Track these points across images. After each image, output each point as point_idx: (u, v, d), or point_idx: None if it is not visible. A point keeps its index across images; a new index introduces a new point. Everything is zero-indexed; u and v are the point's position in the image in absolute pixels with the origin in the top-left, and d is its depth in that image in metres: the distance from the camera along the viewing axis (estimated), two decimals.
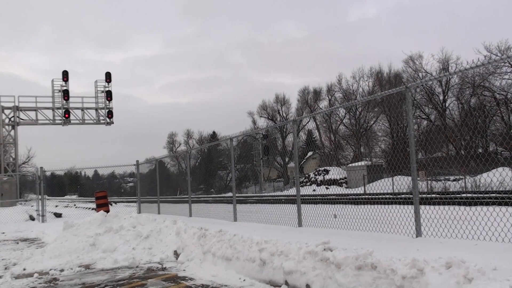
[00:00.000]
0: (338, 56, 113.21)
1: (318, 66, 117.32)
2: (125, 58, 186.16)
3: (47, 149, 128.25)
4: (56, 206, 32.97)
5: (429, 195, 13.99)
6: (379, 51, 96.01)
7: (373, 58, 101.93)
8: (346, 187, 31.61)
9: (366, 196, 15.84)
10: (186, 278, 5.86)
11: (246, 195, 35.12)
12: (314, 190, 33.58)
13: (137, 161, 18.76)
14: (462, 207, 6.83)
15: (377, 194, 15.33)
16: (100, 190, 17.50)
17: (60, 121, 33.48)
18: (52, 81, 33.03)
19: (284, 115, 58.02)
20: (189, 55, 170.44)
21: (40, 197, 17.55)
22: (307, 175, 42.78)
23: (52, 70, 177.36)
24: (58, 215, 20.16)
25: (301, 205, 8.86)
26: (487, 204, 8.04)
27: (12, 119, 32.78)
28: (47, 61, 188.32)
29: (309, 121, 54.87)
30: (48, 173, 25.08)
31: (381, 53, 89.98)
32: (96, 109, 34.60)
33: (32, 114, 33.28)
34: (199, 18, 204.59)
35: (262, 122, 59.23)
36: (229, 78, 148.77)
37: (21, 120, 33.06)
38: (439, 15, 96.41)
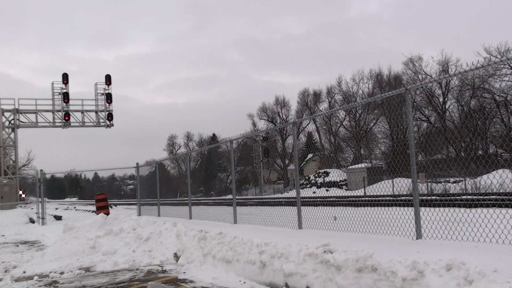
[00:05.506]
0: (338, 53, 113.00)
1: (317, 64, 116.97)
2: (118, 55, 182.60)
3: (47, 151, 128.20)
4: (56, 208, 32.93)
5: (429, 197, 13.99)
6: (380, 48, 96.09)
7: (373, 55, 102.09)
8: (346, 189, 31.55)
9: (366, 198, 15.82)
10: (186, 281, 5.85)
11: (246, 197, 35.11)
12: (314, 192, 33.60)
13: (137, 163, 18.76)
14: (462, 209, 6.82)
15: (377, 196, 15.29)
16: (100, 192, 17.53)
17: (60, 124, 33.49)
18: (52, 83, 33.12)
19: (284, 117, 58.09)
20: (184, 52, 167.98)
21: (40, 199, 17.54)
22: (307, 177, 42.78)
23: (44, 68, 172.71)
24: (58, 218, 20.14)
25: (301, 207, 8.86)
26: (487, 206, 8.02)
27: (12, 121, 32.80)
28: (37, 58, 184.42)
29: (309, 123, 55.09)
30: (48, 176, 25.15)
31: (382, 51, 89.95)
32: (96, 112, 34.61)
33: (32, 117, 33.31)
34: (194, 13, 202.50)
35: (262, 124, 59.35)
36: (227, 76, 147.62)
37: (21, 123, 33.07)
38: (439, 16, 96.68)
